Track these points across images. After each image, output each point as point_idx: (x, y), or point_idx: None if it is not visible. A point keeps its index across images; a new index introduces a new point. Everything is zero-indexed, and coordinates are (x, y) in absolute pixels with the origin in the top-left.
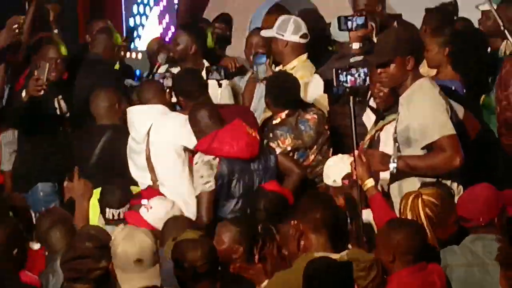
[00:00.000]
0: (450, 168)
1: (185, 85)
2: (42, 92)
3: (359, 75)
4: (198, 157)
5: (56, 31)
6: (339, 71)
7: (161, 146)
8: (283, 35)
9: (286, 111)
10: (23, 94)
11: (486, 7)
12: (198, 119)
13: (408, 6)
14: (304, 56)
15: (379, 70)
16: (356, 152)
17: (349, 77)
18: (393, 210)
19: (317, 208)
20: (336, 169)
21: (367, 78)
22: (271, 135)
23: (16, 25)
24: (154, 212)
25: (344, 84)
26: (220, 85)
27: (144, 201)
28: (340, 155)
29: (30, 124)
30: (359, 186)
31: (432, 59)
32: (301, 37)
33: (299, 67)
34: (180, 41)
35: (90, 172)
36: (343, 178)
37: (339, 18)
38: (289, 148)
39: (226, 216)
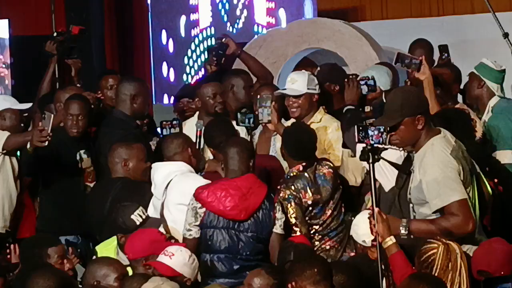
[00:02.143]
0: (463, 233)
1: (214, 136)
2: (46, 143)
3: (380, 134)
4: (191, 199)
5: (78, 85)
6: (360, 128)
7: (170, 204)
8: (315, 89)
9: (303, 163)
10: (28, 145)
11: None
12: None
13: None
14: (321, 108)
15: (390, 133)
16: (376, 209)
17: (370, 134)
18: (412, 267)
19: (314, 264)
20: (365, 228)
21: (387, 138)
22: (292, 187)
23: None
24: (176, 259)
25: (364, 141)
26: (248, 132)
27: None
28: (366, 211)
29: (50, 176)
30: (379, 244)
31: None
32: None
33: (325, 119)
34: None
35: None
36: (373, 240)
37: (398, 57)
38: (309, 202)
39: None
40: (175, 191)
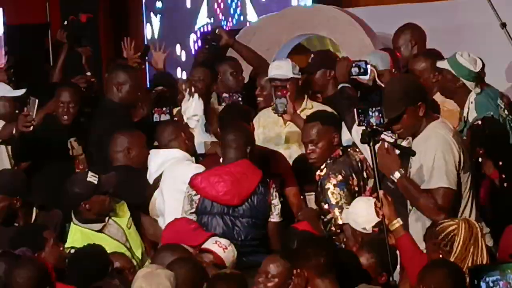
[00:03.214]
0: (430, 217)
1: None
2: (31, 128)
3: (380, 116)
4: (187, 186)
5: (88, 73)
6: (360, 111)
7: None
8: (299, 75)
9: (341, 148)
10: (13, 130)
11: (442, 64)
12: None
13: None
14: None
15: (392, 124)
16: (381, 192)
17: (370, 115)
18: (420, 249)
19: (321, 253)
20: (365, 215)
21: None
22: (342, 172)
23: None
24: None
25: (364, 124)
26: None
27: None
28: (365, 198)
29: (41, 163)
30: (385, 226)
31: None
32: None
33: (316, 105)
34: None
35: None
36: (374, 226)
37: (353, 63)
38: (356, 189)
39: None
40: (168, 178)
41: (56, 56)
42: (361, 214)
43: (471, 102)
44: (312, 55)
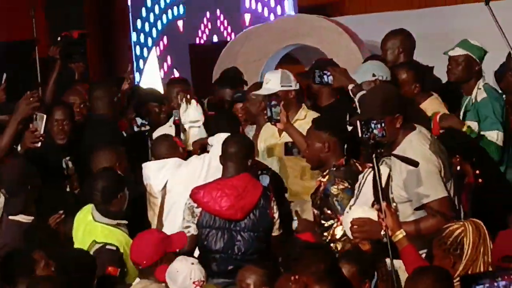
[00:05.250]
0: None
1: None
2: (39, 144)
3: (382, 128)
4: (188, 198)
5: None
6: (362, 123)
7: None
8: (291, 86)
9: (344, 157)
10: (19, 147)
11: (457, 51)
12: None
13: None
14: (304, 104)
15: None
16: (383, 203)
17: (373, 127)
18: (424, 260)
19: (320, 260)
20: None
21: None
22: (348, 180)
23: (33, 97)
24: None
25: (367, 136)
26: None
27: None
28: (358, 206)
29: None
30: (389, 237)
31: None
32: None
33: (310, 115)
34: None
35: None
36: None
37: (313, 71)
38: None
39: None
40: (177, 178)
41: (44, 72)
42: None
43: (479, 88)
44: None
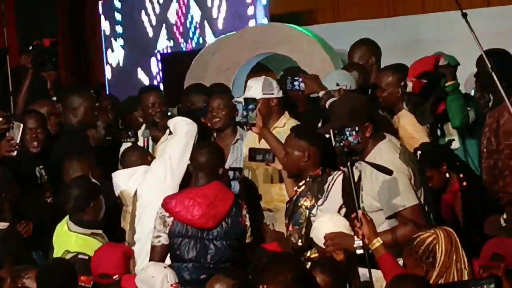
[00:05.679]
0: None
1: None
2: (15, 153)
3: (357, 134)
4: (159, 207)
5: (54, 98)
6: (336, 131)
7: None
8: (272, 93)
9: (321, 168)
10: None
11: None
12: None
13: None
14: (286, 112)
15: None
16: (359, 212)
17: (347, 135)
18: (402, 267)
19: (288, 269)
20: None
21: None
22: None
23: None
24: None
25: (340, 144)
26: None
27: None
28: (328, 215)
29: None
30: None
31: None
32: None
33: (290, 123)
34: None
35: None
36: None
37: (285, 78)
38: None
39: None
40: (145, 184)
41: (16, 81)
42: (322, 232)
43: None
44: (282, 73)
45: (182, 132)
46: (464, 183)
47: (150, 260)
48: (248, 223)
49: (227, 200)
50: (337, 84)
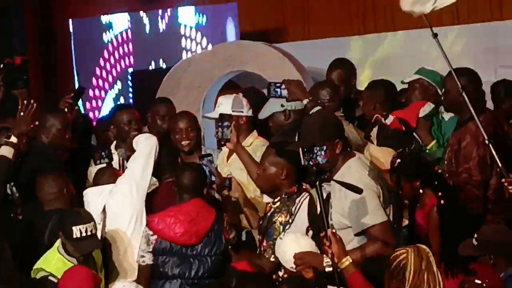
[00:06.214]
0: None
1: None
2: None
3: (326, 153)
4: (144, 226)
5: None
6: (305, 150)
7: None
8: (242, 111)
9: (296, 185)
10: None
11: (411, 77)
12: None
13: None
14: (255, 131)
15: None
16: (329, 230)
17: (316, 153)
18: (372, 286)
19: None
20: (291, 255)
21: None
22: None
23: None
24: None
25: (309, 163)
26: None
27: None
28: (292, 236)
29: None
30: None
31: None
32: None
33: (256, 143)
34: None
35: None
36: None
37: (269, 85)
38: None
39: None
40: (112, 199)
41: None
42: (288, 252)
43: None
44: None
45: (142, 145)
46: (442, 201)
47: (137, 279)
48: (232, 234)
49: (209, 216)
50: (282, 105)
